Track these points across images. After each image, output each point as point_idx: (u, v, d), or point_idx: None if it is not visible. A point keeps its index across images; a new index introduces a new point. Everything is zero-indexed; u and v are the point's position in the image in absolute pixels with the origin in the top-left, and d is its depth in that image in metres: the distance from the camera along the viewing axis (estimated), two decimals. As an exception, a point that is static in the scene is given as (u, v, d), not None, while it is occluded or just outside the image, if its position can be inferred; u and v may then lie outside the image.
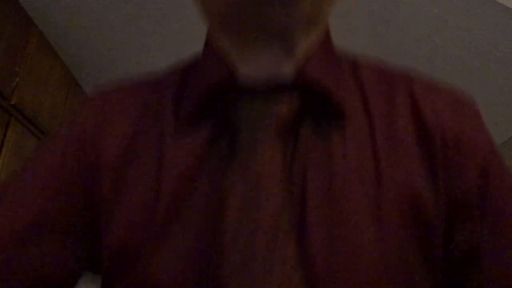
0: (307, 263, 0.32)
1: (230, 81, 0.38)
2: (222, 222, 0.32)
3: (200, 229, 0.34)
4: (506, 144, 2.46)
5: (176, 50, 2.18)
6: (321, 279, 0.31)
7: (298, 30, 0.38)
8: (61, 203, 0.37)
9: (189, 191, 0.36)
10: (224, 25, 0.39)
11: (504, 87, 2.07)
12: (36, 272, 0.35)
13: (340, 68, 0.41)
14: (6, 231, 0.35)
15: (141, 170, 0.37)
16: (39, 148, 0.40)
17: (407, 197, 0.35)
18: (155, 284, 0.33)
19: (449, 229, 0.36)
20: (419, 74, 0.43)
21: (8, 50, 1.75)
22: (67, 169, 0.38)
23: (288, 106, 0.36)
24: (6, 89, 1.74)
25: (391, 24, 1.81)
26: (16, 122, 1.83)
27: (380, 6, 1.74)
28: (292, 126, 0.37)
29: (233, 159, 0.35)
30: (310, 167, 0.36)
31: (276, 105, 0.36)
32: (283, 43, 0.38)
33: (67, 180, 0.38)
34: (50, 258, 0.36)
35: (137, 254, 0.34)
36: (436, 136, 0.37)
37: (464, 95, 0.42)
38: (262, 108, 0.36)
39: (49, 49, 2.11)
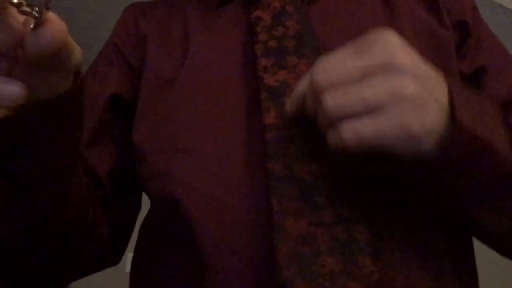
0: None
1: None
2: (256, 36, 0.40)
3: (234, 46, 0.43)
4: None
5: (176, 50, 2.18)
6: None
7: None
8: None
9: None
10: None
11: (503, 86, 2.07)
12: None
13: None
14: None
15: (173, 37, 0.47)
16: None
17: (416, 19, 0.44)
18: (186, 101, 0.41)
19: (457, 54, 0.44)
20: None
21: (8, 51, 1.74)
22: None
23: None
24: (7, 90, 1.73)
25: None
26: (17, 123, 1.82)
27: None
28: None
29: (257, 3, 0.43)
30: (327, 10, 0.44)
31: None
32: None
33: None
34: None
35: (172, 81, 0.43)
36: None
37: None
38: None
39: (49, 50, 2.11)
